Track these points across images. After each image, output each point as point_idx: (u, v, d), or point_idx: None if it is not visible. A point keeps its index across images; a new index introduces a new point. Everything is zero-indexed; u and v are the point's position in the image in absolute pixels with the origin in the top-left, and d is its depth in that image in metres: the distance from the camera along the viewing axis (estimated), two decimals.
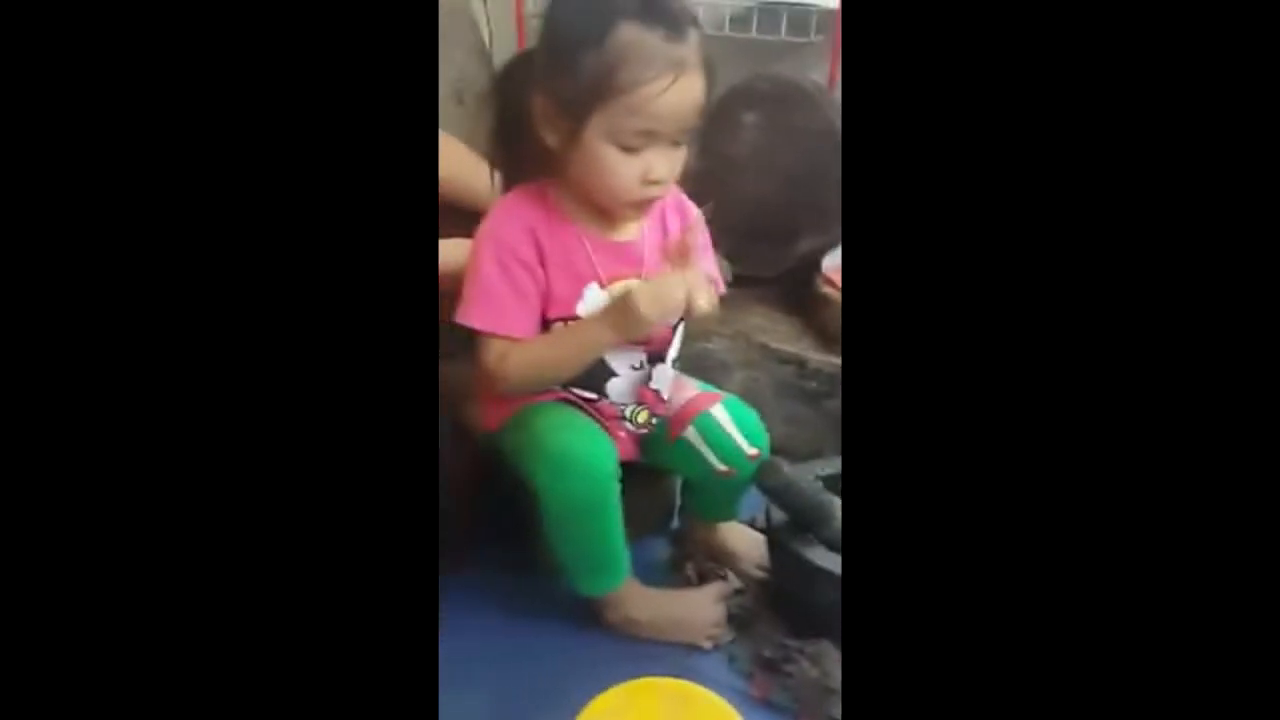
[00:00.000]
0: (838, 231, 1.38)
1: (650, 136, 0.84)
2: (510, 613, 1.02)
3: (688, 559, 1.09)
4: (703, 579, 1.06)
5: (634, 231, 0.96)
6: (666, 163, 0.86)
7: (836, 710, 0.89)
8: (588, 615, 1.00)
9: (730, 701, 0.82)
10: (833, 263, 1.38)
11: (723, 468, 0.99)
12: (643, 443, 1.03)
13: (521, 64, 0.91)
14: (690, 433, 0.99)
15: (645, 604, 0.99)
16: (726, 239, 1.40)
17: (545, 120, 0.87)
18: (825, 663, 0.93)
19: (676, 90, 0.81)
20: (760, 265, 1.45)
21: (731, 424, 0.99)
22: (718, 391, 1.04)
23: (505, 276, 0.90)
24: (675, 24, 0.82)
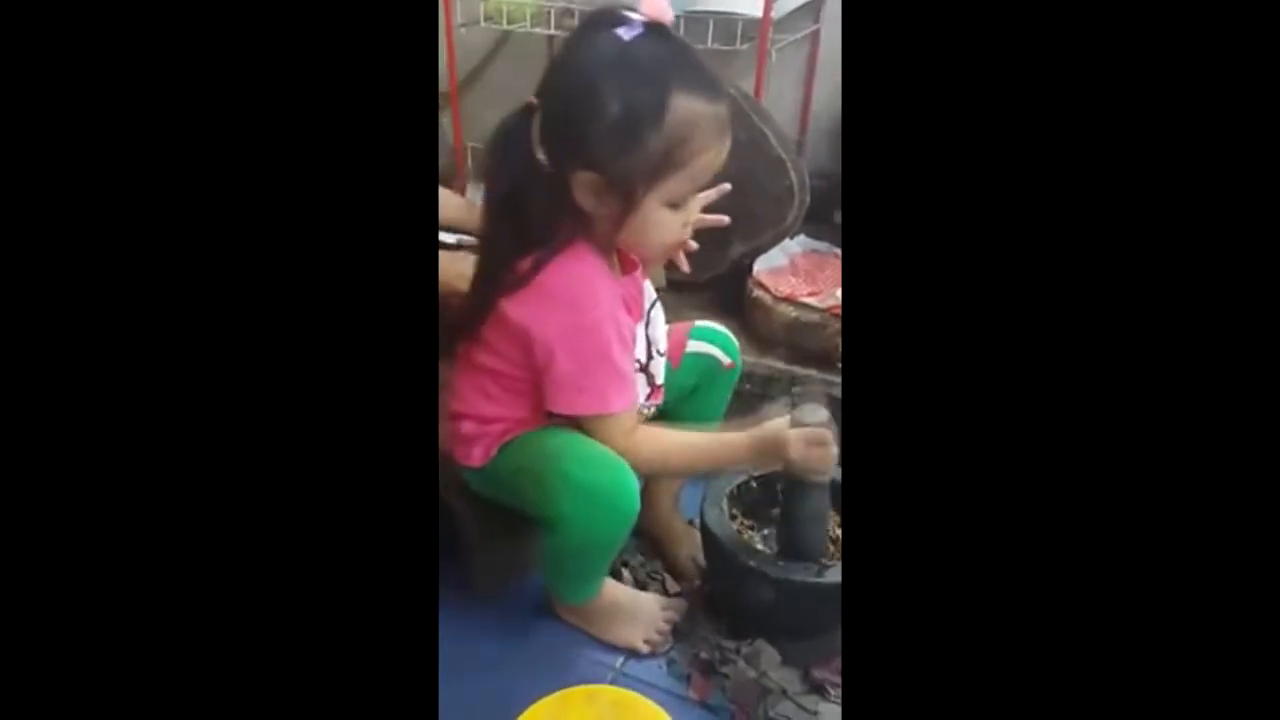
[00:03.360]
0: (768, 237, 1.40)
1: (696, 190, 0.88)
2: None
3: (625, 565, 1.10)
4: (642, 587, 1.08)
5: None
6: (696, 205, 0.91)
7: (773, 710, 0.90)
8: (524, 618, 1.02)
9: (669, 705, 0.83)
10: (763, 267, 1.40)
11: (728, 360, 1.12)
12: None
13: (514, 133, 0.85)
14: (693, 344, 1.11)
15: (604, 591, 1.01)
16: None
17: (594, 194, 0.84)
18: (761, 663, 0.94)
19: (724, 149, 0.86)
20: (694, 269, 1.46)
21: (719, 325, 1.14)
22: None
23: (627, 355, 0.91)
24: (715, 86, 0.83)
